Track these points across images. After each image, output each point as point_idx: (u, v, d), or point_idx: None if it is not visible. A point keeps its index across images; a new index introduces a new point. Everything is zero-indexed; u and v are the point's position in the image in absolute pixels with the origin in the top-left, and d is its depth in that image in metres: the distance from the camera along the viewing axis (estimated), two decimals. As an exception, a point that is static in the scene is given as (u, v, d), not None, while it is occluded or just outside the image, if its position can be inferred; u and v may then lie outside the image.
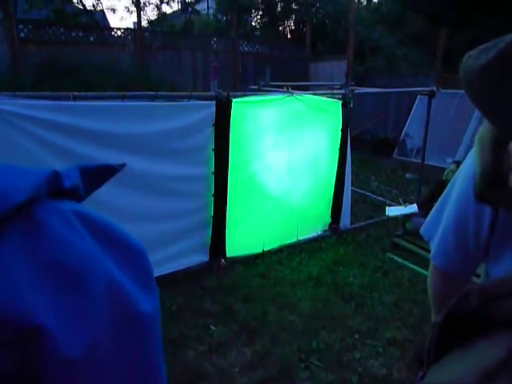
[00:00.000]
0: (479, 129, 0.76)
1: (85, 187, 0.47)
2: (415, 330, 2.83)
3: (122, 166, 0.53)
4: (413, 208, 4.21)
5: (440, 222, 0.95)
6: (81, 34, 8.42)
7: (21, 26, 7.60)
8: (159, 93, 2.92)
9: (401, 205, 4.49)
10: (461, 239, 0.91)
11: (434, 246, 0.98)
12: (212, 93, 3.15)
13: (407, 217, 4.19)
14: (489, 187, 0.73)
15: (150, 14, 13.42)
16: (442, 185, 4.12)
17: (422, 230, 1.03)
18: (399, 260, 3.82)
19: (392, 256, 3.88)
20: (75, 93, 2.65)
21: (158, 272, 3.23)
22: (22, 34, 7.69)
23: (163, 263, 3.26)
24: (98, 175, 0.50)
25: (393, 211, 4.37)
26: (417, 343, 2.71)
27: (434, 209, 1.00)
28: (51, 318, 0.35)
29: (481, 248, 0.87)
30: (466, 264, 0.96)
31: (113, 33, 8.96)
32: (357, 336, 2.75)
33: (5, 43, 7.30)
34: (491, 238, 0.83)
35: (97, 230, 0.43)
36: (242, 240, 3.67)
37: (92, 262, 0.40)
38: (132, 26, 9.43)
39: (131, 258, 0.45)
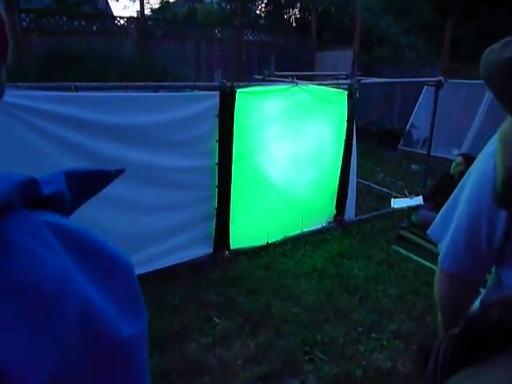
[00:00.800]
0: (501, 126, 0.72)
1: (72, 195, 0.41)
2: (419, 323, 2.81)
3: (120, 171, 0.46)
4: (418, 200, 4.16)
5: (450, 223, 0.92)
6: (83, 23, 8.34)
7: (23, 15, 7.54)
8: (162, 83, 2.87)
9: (406, 197, 4.45)
10: (472, 240, 0.87)
11: (443, 247, 0.94)
12: (216, 83, 3.11)
13: (413, 209, 4.14)
14: None
15: (153, 2, 13.32)
16: (447, 177, 4.07)
17: (430, 232, 1.00)
18: (404, 252, 3.79)
19: (397, 248, 3.86)
20: (77, 83, 2.62)
21: (161, 264, 3.23)
22: (25, 24, 7.63)
23: (167, 255, 3.25)
24: (89, 182, 0.44)
25: (398, 203, 4.33)
26: (421, 336, 2.69)
27: (442, 209, 0.96)
28: (9, 353, 0.30)
29: (493, 251, 0.84)
30: (476, 266, 0.92)
31: (116, 21, 8.87)
32: (361, 329, 2.74)
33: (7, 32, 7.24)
34: (507, 243, 0.80)
35: (73, 245, 0.37)
36: (245, 232, 3.65)
37: (64, 284, 0.34)
38: (135, 15, 9.32)
39: (114, 276, 0.40)
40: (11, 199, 0.35)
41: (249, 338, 2.65)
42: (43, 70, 6.88)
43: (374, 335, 2.68)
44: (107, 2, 12.92)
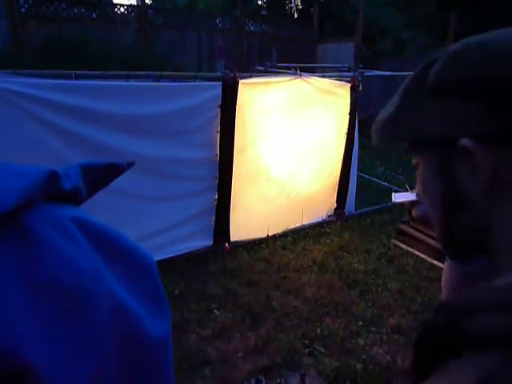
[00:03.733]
0: None
1: (86, 188, 0.40)
2: (418, 317, 2.81)
3: (131, 164, 0.45)
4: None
5: None
6: (83, 10, 8.23)
7: (21, 1, 7.43)
8: (164, 73, 2.83)
9: (407, 191, 4.43)
10: None
11: None
12: (218, 73, 3.06)
13: (413, 203, 4.13)
14: None
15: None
16: None
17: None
18: (404, 246, 3.78)
19: (397, 242, 3.85)
20: (77, 71, 2.58)
21: (161, 255, 3.20)
22: (23, 10, 7.53)
23: (166, 247, 3.23)
24: (102, 175, 0.43)
25: (399, 197, 4.31)
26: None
27: None
28: (43, 355, 0.28)
29: None
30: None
31: (116, 9, 8.76)
32: (361, 323, 2.73)
33: (5, 19, 7.14)
34: None
35: (100, 241, 0.36)
36: (246, 224, 3.63)
37: (94, 282, 0.33)
38: (135, 3, 9.21)
39: (140, 273, 0.39)
40: (34, 195, 0.33)
41: (249, 331, 2.64)
42: (42, 57, 6.79)
43: (373, 329, 2.68)
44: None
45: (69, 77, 2.58)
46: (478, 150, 0.39)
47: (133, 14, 8.67)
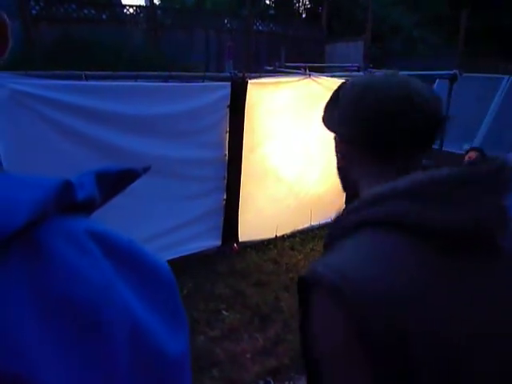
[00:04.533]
0: None
1: (101, 195, 0.39)
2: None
3: (147, 169, 0.44)
4: None
5: None
6: (93, 11, 8.29)
7: (32, 3, 7.50)
8: (172, 73, 2.83)
9: None
10: None
11: None
12: (227, 74, 3.06)
13: None
14: None
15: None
16: None
17: None
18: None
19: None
20: (87, 72, 2.58)
21: (169, 255, 3.21)
22: (34, 12, 7.60)
23: (175, 247, 3.24)
24: (117, 181, 0.42)
25: None
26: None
27: None
28: (57, 377, 0.27)
29: None
30: None
31: (125, 10, 8.81)
32: (370, 325, 2.71)
33: (17, 21, 7.21)
34: None
35: (114, 253, 0.35)
36: (254, 225, 3.62)
37: (108, 297, 0.32)
38: (144, 3, 9.25)
39: (156, 286, 0.38)
40: (48, 207, 0.32)
41: (257, 332, 2.63)
42: (52, 58, 6.86)
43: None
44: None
45: (79, 77, 2.59)
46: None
47: (142, 15, 8.70)
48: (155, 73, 2.84)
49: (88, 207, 0.37)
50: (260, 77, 3.18)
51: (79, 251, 0.32)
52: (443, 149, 5.15)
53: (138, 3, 9.18)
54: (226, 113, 3.10)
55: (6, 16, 0.40)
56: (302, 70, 3.53)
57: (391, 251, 0.54)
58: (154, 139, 2.88)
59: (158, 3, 12.52)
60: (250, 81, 3.07)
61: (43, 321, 0.28)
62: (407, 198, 0.55)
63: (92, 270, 0.32)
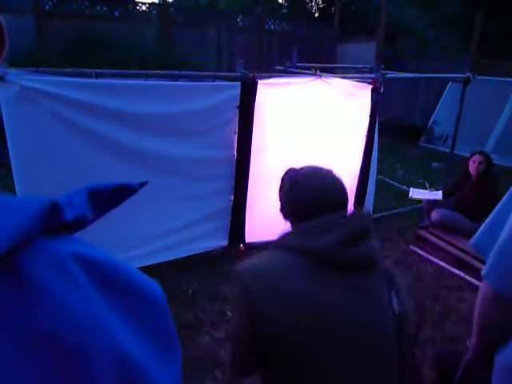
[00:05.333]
0: None
1: (94, 213, 0.37)
2: (437, 328, 2.74)
3: (143, 184, 0.41)
4: (437, 195, 4.06)
5: (495, 236, 0.85)
6: (105, 8, 8.33)
7: (45, -1, 7.56)
8: (182, 72, 2.82)
9: (426, 189, 4.33)
10: None
11: (488, 262, 0.90)
12: (237, 73, 3.04)
13: (432, 206, 4.03)
14: None
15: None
16: (465, 175, 3.94)
17: (472, 243, 0.98)
18: (423, 253, 3.69)
19: (415, 249, 3.76)
20: (97, 70, 2.59)
21: (176, 255, 3.22)
22: (47, 7, 7.66)
23: (181, 246, 3.24)
24: (112, 198, 0.40)
25: (417, 193, 4.23)
26: (438, 342, 2.62)
27: (487, 220, 0.90)
28: None
29: None
30: None
31: (137, 7, 8.83)
32: (376, 331, 2.68)
33: (30, 16, 7.26)
34: None
35: (102, 279, 0.33)
36: (261, 226, 3.59)
37: (95, 332, 0.30)
38: (157, 1, 9.26)
39: (148, 314, 0.36)
40: (30, 233, 0.30)
41: (262, 335, 2.61)
42: (65, 55, 6.90)
43: (389, 338, 2.62)
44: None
45: (89, 75, 2.59)
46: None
47: (154, 12, 8.72)
48: (166, 71, 2.83)
49: (79, 225, 0.35)
50: (270, 77, 3.16)
51: (64, 280, 0.30)
52: (455, 152, 5.10)
53: (150, 0, 9.19)
54: (235, 113, 3.08)
55: (1, 18, 0.39)
56: (313, 71, 3.49)
57: (282, 261, 0.98)
58: (163, 138, 2.88)
59: (171, 1, 12.53)
60: (259, 81, 3.05)
61: (23, 359, 0.26)
62: (298, 235, 1.02)
63: (78, 302, 0.30)
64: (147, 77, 2.69)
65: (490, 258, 0.89)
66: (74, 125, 2.54)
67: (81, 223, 0.35)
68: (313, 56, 7.71)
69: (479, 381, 1.08)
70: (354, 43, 9.71)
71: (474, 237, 0.98)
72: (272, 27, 10.07)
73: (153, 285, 0.37)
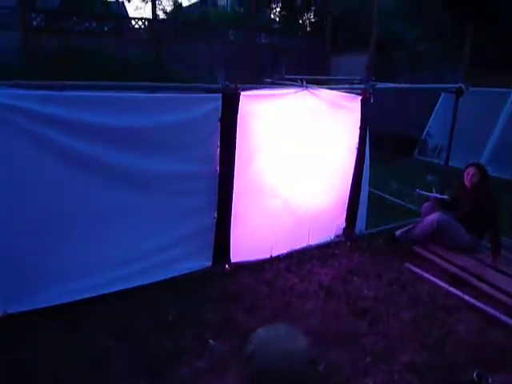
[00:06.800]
0: None
1: None
2: (434, 354, 2.54)
3: None
4: (444, 197, 4.01)
5: None
6: (94, 24, 8.26)
7: (33, 15, 7.47)
8: (159, 84, 2.67)
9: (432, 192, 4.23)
10: None
11: None
12: (218, 85, 2.89)
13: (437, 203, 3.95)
14: None
15: (166, 4, 13.22)
16: (461, 188, 3.81)
17: None
18: (419, 271, 3.51)
19: (411, 266, 3.57)
20: (68, 82, 2.43)
21: (156, 277, 3.02)
22: (35, 23, 7.57)
23: (161, 268, 3.05)
24: None
25: (423, 192, 4.19)
26: (437, 369, 2.42)
27: None
28: None
29: None
30: None
31: (127, 23, 8.78)
32: (369, 358, 2.47)
33: (17, 32, 7.17)
34: None
35: None
36: (248, 244, 3.42)
37: None
38: (147, 16, 9.23)
39: None
40: None
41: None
42: (51, 70, 6.78)
43: (383, 366, 2.41)
44: (120, 3, 12.89)
45: (61, 88, 2.44)
46: None
47: (143, 27, 8.67)
48: (140, 83, 2.68)
49: None
50: (254, 88, 3.02)
51: None
52: (449, 164, 4.97)
53: (140, 15, 9.14)
54: (217, 126, 2.92)
55: None
56: (299, 82, 3.36)
57: None
58: (139, 153, 2.71)
59: (164, 16, 12.54)
60: (242, 92, 2.90)
61: None
62: None
63: None
64: (120, 89, 2.53)
65: None
66: (40, 139, 2.37)
67: None
68: (306, 70, 7.63)
69: None
70: (347, 56, 9.68)
71: None
72: (263, 41, 10.04)
73: None
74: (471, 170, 3.71)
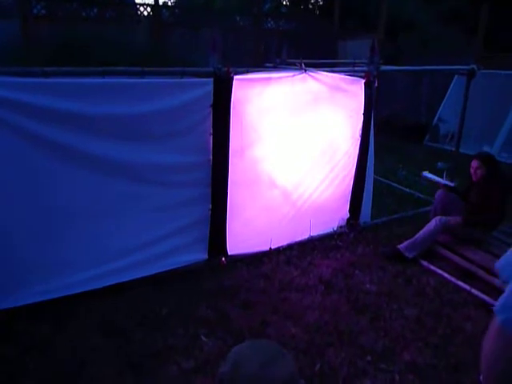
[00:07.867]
0: None
1: None
2: (438, 353, 2.39)
3: None
4: (451, 183, 3.75)
5: None
6: (95, 9, 8.09)
7: (33, 2, 7.33)
8: (146, 68, 2.51)
9: (442, 178, 3.94)
10: None
11: (504, 294, 0.80)
12: (209, 68, 2.73)
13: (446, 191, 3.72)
14: None
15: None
16: (471, 182, 3.58)
17: (498, 265, 0.89)
18: (425, 264, 3.34)
19: (417, 258, 3.40)
20: (47, 68, 2.29)
21: (149, 271, 2.92)
22: (35, 11, 7.43)
23: (156, 261, 2.94)
24: None
25: (429, 176, 3.91)
26: (440, 370, 2.27)
27: None
28: None
29: None
30: None
31: (129, 9, 8.59)
32: (369, 358, 2.33)
33: (16, 19, 7.05)
34: None
35: None
36: (245, 236, 3.28)
37: None
38: (149, 2, 9.02)
39: None
40: None
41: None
42: (52, 58, 6.66)
43: (383, 366, 2.28)
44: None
45: (39, 74, 2.30)
46: None
47: (145, 13, 8.47)
48: (125, 68, 2.53)
49: None
50: (248, 72, 2.84)
51: None
52: (460, 150, 4.75)
53: (142, 1, 8.95)
54: (208, 112, 2.77)
55: None
56: (298, 66, 3.17)
57: None
58: (126, 143, 2.58)
59: (168, 2, 12.28)
60: (235, 77, 2.73)
61: None
62: None
63: None
64: (104, 74, 2.38)
65: (507, 292, 0.78)
66: (18, 128, 2.25)
67: None
68: (314, 54, 7.38)
69: None
70: (356, 40, 9.35)
71: (500, 260, 0.88)
72: (269, 26, 9.76)
73: None
74: (475, 164, 3.44)
